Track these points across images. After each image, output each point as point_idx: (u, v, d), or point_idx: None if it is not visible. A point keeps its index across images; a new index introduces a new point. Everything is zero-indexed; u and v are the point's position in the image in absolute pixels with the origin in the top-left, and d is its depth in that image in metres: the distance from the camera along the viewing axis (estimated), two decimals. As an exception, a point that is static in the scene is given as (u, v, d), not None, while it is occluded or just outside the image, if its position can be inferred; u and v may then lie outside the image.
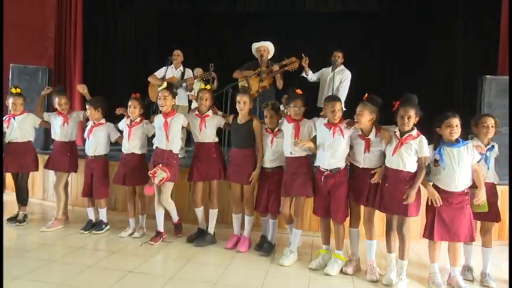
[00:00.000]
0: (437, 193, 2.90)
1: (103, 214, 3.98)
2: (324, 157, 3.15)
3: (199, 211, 3.77)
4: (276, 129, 3.44)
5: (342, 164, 3.15)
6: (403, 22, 7.55)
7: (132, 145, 3.78)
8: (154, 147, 3.73)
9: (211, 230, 3.72)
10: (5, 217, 4.13)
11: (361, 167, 3.12)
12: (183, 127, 3.77)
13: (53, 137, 4.08)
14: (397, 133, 2.97)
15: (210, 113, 3.65)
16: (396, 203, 2.92)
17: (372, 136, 3.06)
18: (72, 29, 6.49)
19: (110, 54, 7.13)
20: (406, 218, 2.96)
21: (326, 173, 3.14)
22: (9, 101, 4.02)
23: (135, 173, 3.78)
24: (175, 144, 3.66)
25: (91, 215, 4.01)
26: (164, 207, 3.72)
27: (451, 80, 6.53)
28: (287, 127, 3.34)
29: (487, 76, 4.44)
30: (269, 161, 3.47)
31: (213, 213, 3.73)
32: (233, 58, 7.21)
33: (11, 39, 5.95)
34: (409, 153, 2.90)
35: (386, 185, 2.98)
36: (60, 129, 4.00)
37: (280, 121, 3.45)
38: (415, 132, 2.94)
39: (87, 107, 3.91)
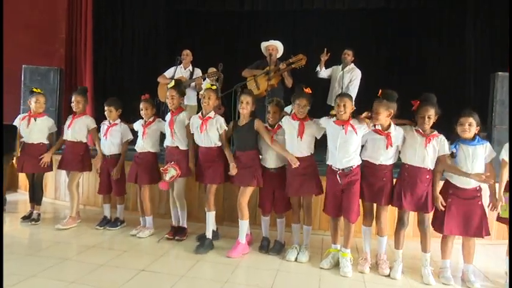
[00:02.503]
0: (441, 197, 2.95)
1: (120, 211, 4.10)
2: (336, 156, 3.08)
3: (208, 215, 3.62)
4: (276, 126, 3.38)
5: (354, 162, 3.08)
6: (412, 19, 7.48)
7: (146, 143, 3.84)
8: (165, 145, 3.78)
9: (208, 234, 3.54)
10: (19, 216, 4.22)
11: (377, 163, 3.08)
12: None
13: (64, 137, 4.13)
14: (420, 131, 2.99)
15: (212, 114, 3.51)
16: (418, 200, 2.99)
17: (392, 130, 3.03)
18: (83, 30, 6.58)
19: (119, 54, 7.19)
20: (427, 213, 3.03)
21: (339, 172, 3.09)
22: (32, 100, 4.06)
23: (146, 172, 3.81)
24: (181, 141, 3.66)
25: (107, 211, 4.13)
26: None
27: (463, 77, 6.45)
28: (292, 125, 3.26)
29: (499, 73, 4.36)
30: (272, 160, 3.40)
31: (209, 215, 3.54)
32: (242, 57, 7.22)
33: (23, 41, 6.04)
34: (433, 150, 2.96)
35: (405, 182, 3.01)
36: (69, 130, 4.04)
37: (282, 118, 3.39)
38: (435, 131, 2.99)
39: (106, 108, 3.99)
